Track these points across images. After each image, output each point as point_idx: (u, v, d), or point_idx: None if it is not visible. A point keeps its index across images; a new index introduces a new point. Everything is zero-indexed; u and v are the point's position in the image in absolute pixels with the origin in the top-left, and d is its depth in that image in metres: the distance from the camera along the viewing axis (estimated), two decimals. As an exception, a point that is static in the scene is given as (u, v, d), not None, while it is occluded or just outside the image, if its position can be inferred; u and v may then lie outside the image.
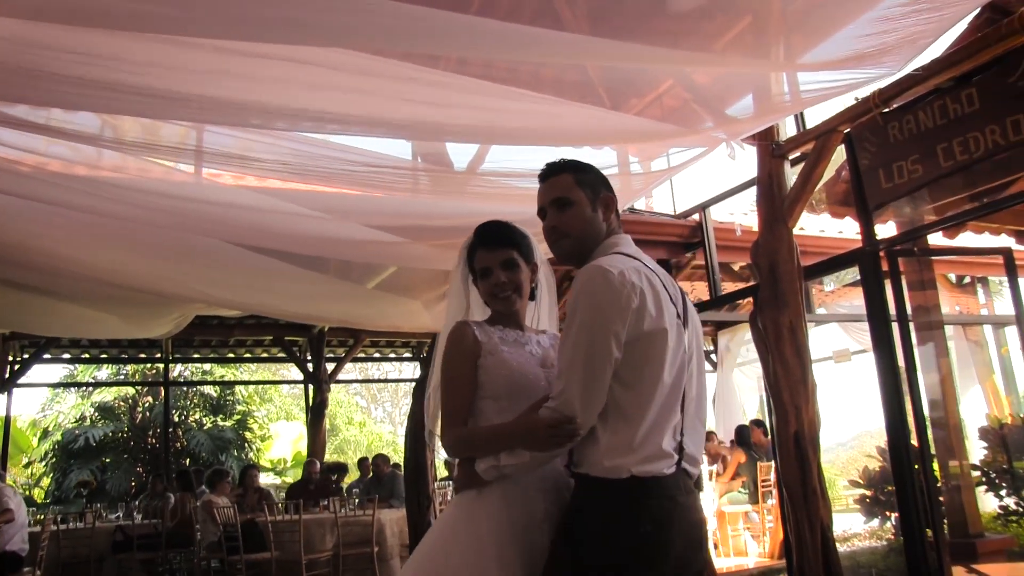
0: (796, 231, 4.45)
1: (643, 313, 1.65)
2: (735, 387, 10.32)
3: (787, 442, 3.98)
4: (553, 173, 1.88)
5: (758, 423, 7.93)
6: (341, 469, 9.25)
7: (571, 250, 1.85)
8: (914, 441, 3.96)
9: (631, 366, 1.65)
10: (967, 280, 8.51)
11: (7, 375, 9.25)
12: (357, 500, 7.44)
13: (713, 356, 11.21)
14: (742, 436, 7.85)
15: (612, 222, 1.88)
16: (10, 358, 9.39)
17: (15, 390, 9.69)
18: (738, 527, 7.53)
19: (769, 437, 7.49)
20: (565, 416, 1.64)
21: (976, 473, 5.52)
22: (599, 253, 1.80)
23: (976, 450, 5.92)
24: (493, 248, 1.96)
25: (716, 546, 7.40)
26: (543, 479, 1.80)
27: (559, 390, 1.67)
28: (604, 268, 1.67)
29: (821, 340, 10.20)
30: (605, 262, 1.70)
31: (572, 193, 1.83)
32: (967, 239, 5.96)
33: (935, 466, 4.67)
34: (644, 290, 1.66)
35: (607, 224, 1.86)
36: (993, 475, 5.50)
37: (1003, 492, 5.44)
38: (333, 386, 10.81)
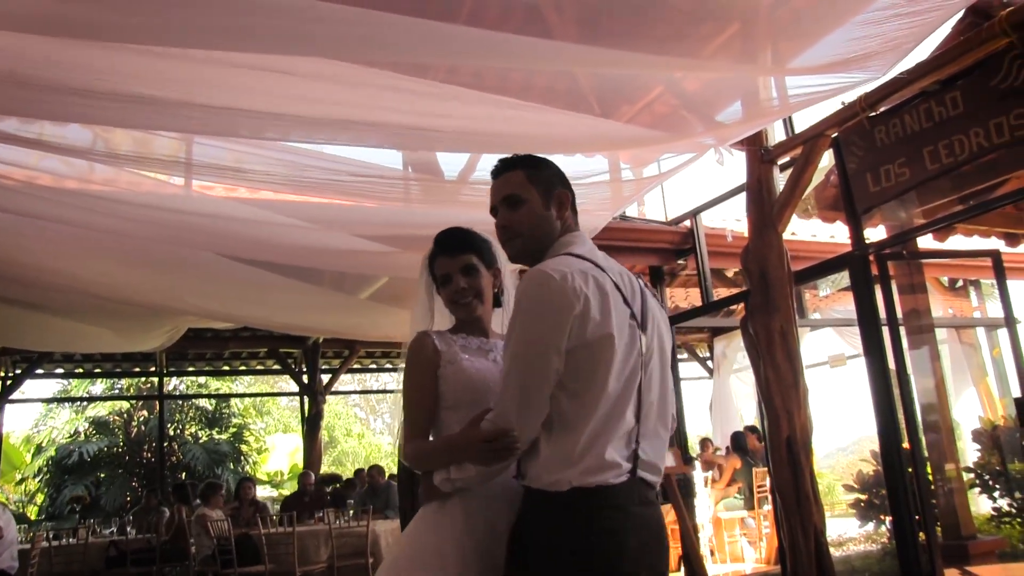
0: (788, 236, 4.47)
1: (586, 319, 1.56)
2: (732, 393, 10.31)
3: (779, 447, 3.99)
4: (505, 170, 1.81)
5: (753, 429, 7.92)
6: (336, 481, 9.21)
7: (523, 249, 1.78)
8: (906, 444, 3.96)
9: (576, 374, 1.58)
10: (960, 283, 8.55)
11: None
12: (352, 511, 7.41)
13: (709, 362, 11.22)
14: (738, 442, 7.84)
15: (567, 219, 1.79)
16: (2, 373, 9.35)
17: (8, 405, 9.62)
18: (734, 533, 7.50)
19: (762, 442, 7.51)
20: (501, 429, 1.58)
21: (969, 475, 5.53)
22: (552, 253, 1.73)
23: (970, 452, 5.94)
24: (453, 254, 1.93)
25: (712, 553, 7.37)
26: (505, 489, 1.73)
27: (497, 402, 1.63)
28: (546, 273, 1.59)
29: (817, 345, 10.22)
30: (550, 265, 1.62)
31: (524, 190, 1.76)
32: (958, 242, 5.99)
33: (928, 469, 4.69)
34: (589, 295, 1.57)
35: (561, 222, 1.78)
36: (987, 477, 5.51)
37: (996, 494, 5.45)
38: (331, 398, 10.79)
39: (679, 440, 5.78)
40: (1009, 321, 4.77)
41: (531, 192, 1.76)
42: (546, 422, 1.60)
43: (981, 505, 5.77)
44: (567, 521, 1.54)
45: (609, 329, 1.59)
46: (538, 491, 1.60)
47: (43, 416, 16.36)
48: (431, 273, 2.01)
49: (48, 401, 15.89)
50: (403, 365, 1.92)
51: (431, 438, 1.87)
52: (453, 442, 1.75)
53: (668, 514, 5.99)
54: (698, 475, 7.45)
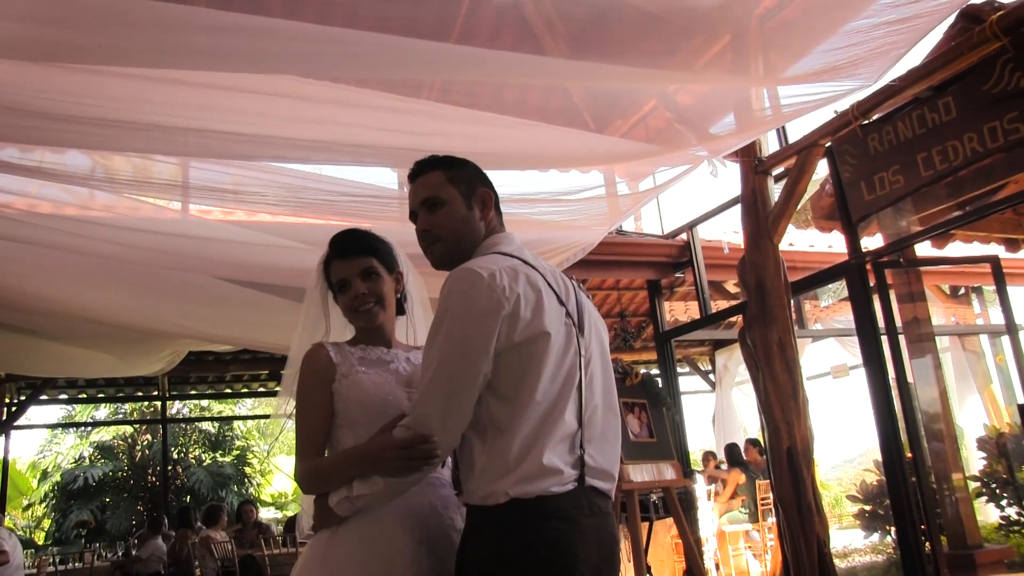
0: (785, 247, 4.47)
1: (516, 319, 1.47)
2: (735, 406, 10.26)
3: (780, 458, 3.96)
4: (422, 171, 1.70)
5: (754, 442, 7.88)
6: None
7: (445, 254, 1.65)
8: (909, 454, 3.93)
9: (506, 377, 1.48)
10: (962, 291, 8.51)
11: (4, 417, 9.19)
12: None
13: (711, 376, 11.16)
14: (733, 455, 7.80)
15: (491, 220, 1.69)
16: (7, 400, 9.34)
17: (13, 432, 9.62)
18: (739, 546, 7.45)
19: (763, 455, 7.48)
20: (419, 434, 1.46)
21: (975, 484, 5.47)
22: (478, 254, 1.62)
23: (975, 460, 5.88)
24: (349, 257, 1.76)
25: (717, 567, 7.30)
26: (406, 514, 1.59)
27: (414, 405, 1.51)
28: (472, 271, 1.49)
29: (819, 356, 10.17)
30: (476, 263, 1.53)
31: (443, 191, 1.65)
32: (957, 249, 5.97)
33: (931, 478, 4.64)
34: (521, 293, 1.48)
35: (485, 223, 1.68)
36: (993, 485, 5.45)
37: (1004, 502, 5.39)
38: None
39: (679, 453, 5.75)
40: (1010, 327, 4.75)
41: (451, 193, 1.66)
42: (480, 430, 1.49)
43: (988, 514, 5.70)
44: (508, 536, 1.43)
45: (543, 327, 1.50)
46: (477, 507, 1.49)
47: (48, 442, 16.36)
48: (327, 279, 1.83)
49: (53, 427, 15.87)
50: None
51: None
52: (359, 453, 1.57)
53: (670, 528, 5.96)
54: (700, 488, 7.40)
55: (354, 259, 1.76)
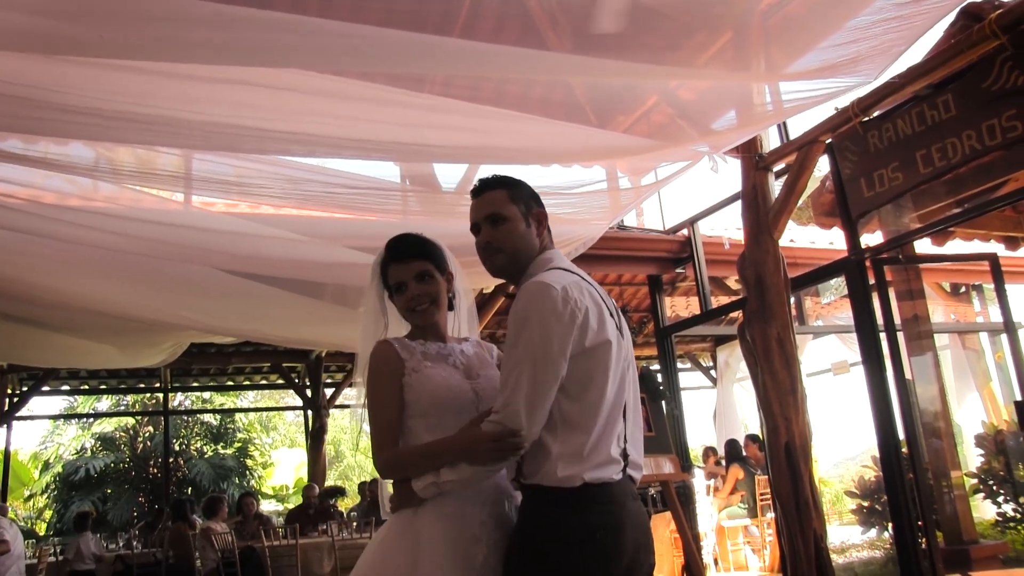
0: (786, 243, 4.48)
1: (586, 328, 1.68)
2: (735, 402, 10.28)
3: (778, 454, 3.98)
4: (486, 189, 1.89)
5: (753, 438, 7.90)
6: (339, 493, 9.20)
7: (505, 265, 1.86)
8: (906, 450, 3.95)
9: (576, 379, 1.68)
10: (962, 289, 8.52)
11: (6, 407, 9.24)
12: (355, 524, 7.41)
13: (712, 372, 11.18)
14: (733, 450, 7.82)
15: (544, 238, 1.90)
16: (9, 391, 9.39)
17: (15, 423, 9.68)
18: (738, 541, 7.47)
19: (762, 451, 7.50)
20: (509, 429, 1.64)
21: (973, 481, 5.49)
22: (535, 268, 1.82)
23: (973, 458, 5.90)
24: (406, 261, 1.91)
25: (716, 561, 7.33)
26: (479, 492, 1.77)
27: (504, 403, 1.67)
28: (548, 284, 1.68)
29: (820, 352, 10.18)
30: (548, 277, 1.72)
31: (506, 209, 1.84)
32: (956, 247, 5.98)
33: (928, 474, 4.67)
34: (588, 305, 1.70)
35: (540, 240, 1.88)
36: (991, 482, 5.47)
37: (1001, 499, 5.41)
38: (338, 412, 10.78)
39: (678, 449, 5.77)
40: (1009, 325, 4.76)
41: (512, 210, 1.85)
42: (550, 424, 1.68)
43: (985, 511, 5.72)
44: (577, 516, 1.64)
45: (606, 336, 1.71)
46: (548, 488, 1.66)
47: (50, 433, 16.43)
48: (384, 281, 1.98)
49: (55, 418, 15.94)
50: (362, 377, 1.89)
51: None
52: (444, 445, 1.75)
53: (669, 523, 5.98)
54: (699, 483, 7.42)
55: (410, 263, 1.91)
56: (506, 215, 1.84)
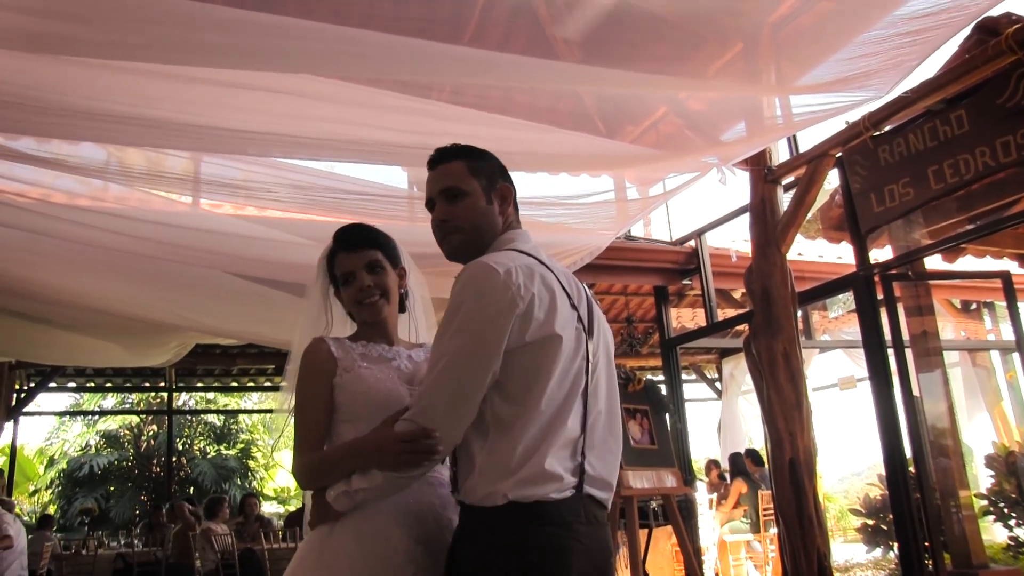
0: (794, 257, 4.45)
1: (529, 319, 1.45)
2: (740, 415, 10.21)
3: (782, 469, 3.94)
4: (444, 160, 1.65)
5: (749, 453, 7.88)
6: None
7: (462, 246, 1.62)
8: (912, 469, 3.90)
9: (514, 376, 1.46)
10: (973, 306, 8.43)
11: (13, 403, 9.29)
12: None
13: (718, 384, 11.12)
14: (737, 465, 7.76)
15: (509, 215, 1.67)
16: (16, 386, 9.44)
17: (21, 418, 9.73)
18: (740, 556, 7.41)
19: (760, 466, 7.47)
20: (422, 428, 1.43)
21: (983, 502, 5.40)
22: (493, 249, 1.59)
23: (983, 478, 5.81)
24: (355, 249, 1.76)
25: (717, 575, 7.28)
26: (406, 511, 1.58)
27: (419, 398, 1.48)
28: (489, 266, 1.46)
29: (827, 367, 10.10)
30: (492, 259, 1.49)
31: (465, 182, 1.61)
32: (968, 264, 5.92)
33: (937, 494, 4.60)
34: (535, 292, 1.46)
35: (503, 218, 1.65)
36: (1001, 504, 5.38)
37: (1012, 522, 5.31)
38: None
39: (681, 461, 5.73)
40: (1020, 344, 4.70)
41: (473, 184, 1.62)
42: (482, 429, 1.47)
43: (996, 534, 5.63)
44: (503, 539, 1.41)
45: (554, 329, 1.48)
46: (473, 507, 1.46)
47: (55, 429, 16.51)
48: (329, 274, 1.84)
49: (60, 414, 16.02)
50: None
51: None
52: (359, 445, 1.55)
53: (670, 536, 5.93)
54: (702, 497, 7.36)
55: (360, 251, 1.76)
56: (465, 189, 1.61)
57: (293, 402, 1.75)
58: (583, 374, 1.53)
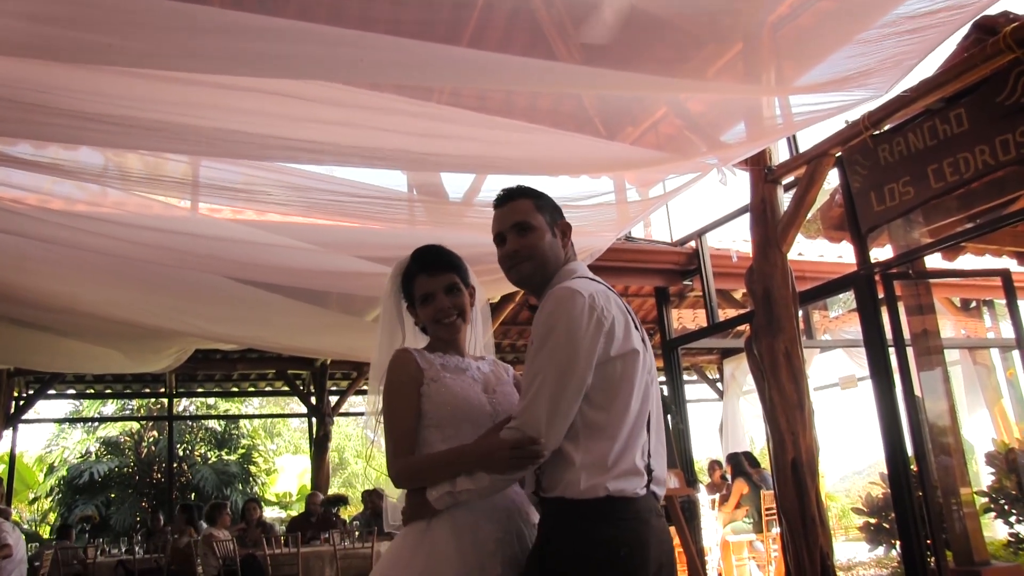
0: (795, 256, 4.44)
1: (612, 336, 1.66)
2: (741, 416, 10.21)
3: (785, 469, 3.93)
4: (512, 198, 1.88)
5: (747, 454, 7.88)
6: (342, 502, 9.17)
7: (530, 274, 1.83)
8: (914, 467, 3.89)
9: (602, 388, 1.65)
10: (973, 304, 8.44)
11: (12, 411, 9.27)
12: (357, 533, 7.37)
13: (719, 384, 11.11)
14: (738, 465, 7.76)
15: (568, 249, 1.89)
16: (15, 394, 9.42)
17: (21, 425, 9.71)
18: (742, 556, 7.39)
19: (756, 467, 7.47)
20: (528, 436, 1.61)
21: (984, 499, 5.40)
22: (560, 278, 1.80)
23: (984, 476, 5.81)
24: (435, 273, 1.92)
25: (720, 576, 7.27)
26: (493, 507, 1.75)
27: (523, 410, 1.65)
28: (576, 290, 1.67)
29: (828, 366, 10.10)
30: (575, 285, 1.70)
31: (532, 218, 1.83)
32: (968, 262, 5.93)
33: (938, 492, 4.59)
34: (615, 314, 1.68)
35: (565, 250, 1.87)
36: (1002, 501, 5.38)
37: (1013, 519, 5.31)
38: (343, 419, 10.75)
39: (683, 462, 5.72)
40: (1020, 342, 4.70)
41: (539, 220, 1.84)
42: (571, 433, 1.64)
43: (997, 531, 5.63)
44: (600, 530, 1.58)
45: (632, 345, 1.69)
46: (570, 501, 1.61)
47: (55, 436, 16.48)
48: (406, 292, 1.99)
49: (60, 421, 15.99)
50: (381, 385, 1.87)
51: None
52: (462, 453, 1.72)
53: (673, 537, 5.92)
54: (704, 497, 7.35)
55: (440, 275, 1.92)
56: (534, 224, 1.83)
57: (382, 410, 1.88)
58: (650, 385, 1.75)
